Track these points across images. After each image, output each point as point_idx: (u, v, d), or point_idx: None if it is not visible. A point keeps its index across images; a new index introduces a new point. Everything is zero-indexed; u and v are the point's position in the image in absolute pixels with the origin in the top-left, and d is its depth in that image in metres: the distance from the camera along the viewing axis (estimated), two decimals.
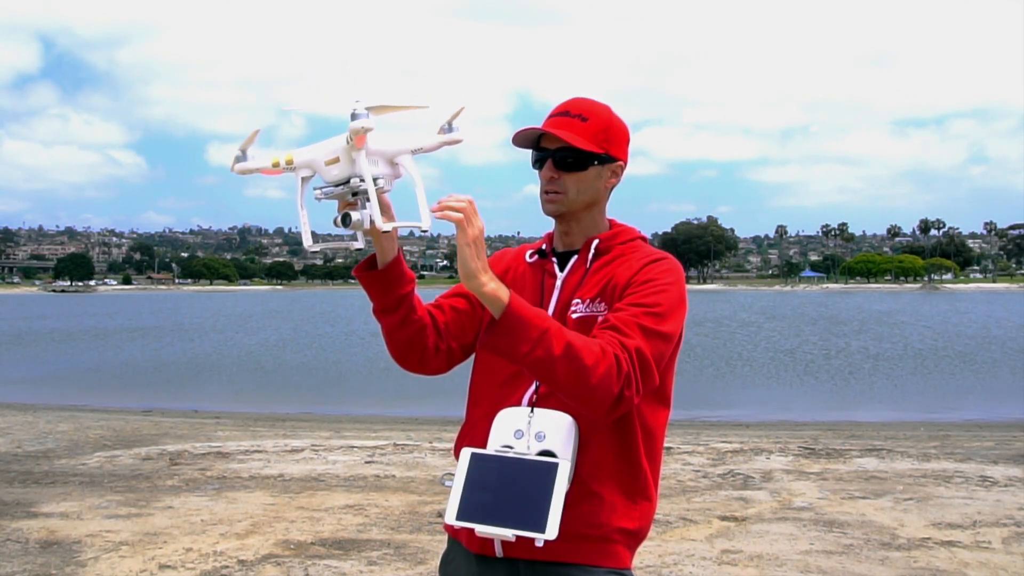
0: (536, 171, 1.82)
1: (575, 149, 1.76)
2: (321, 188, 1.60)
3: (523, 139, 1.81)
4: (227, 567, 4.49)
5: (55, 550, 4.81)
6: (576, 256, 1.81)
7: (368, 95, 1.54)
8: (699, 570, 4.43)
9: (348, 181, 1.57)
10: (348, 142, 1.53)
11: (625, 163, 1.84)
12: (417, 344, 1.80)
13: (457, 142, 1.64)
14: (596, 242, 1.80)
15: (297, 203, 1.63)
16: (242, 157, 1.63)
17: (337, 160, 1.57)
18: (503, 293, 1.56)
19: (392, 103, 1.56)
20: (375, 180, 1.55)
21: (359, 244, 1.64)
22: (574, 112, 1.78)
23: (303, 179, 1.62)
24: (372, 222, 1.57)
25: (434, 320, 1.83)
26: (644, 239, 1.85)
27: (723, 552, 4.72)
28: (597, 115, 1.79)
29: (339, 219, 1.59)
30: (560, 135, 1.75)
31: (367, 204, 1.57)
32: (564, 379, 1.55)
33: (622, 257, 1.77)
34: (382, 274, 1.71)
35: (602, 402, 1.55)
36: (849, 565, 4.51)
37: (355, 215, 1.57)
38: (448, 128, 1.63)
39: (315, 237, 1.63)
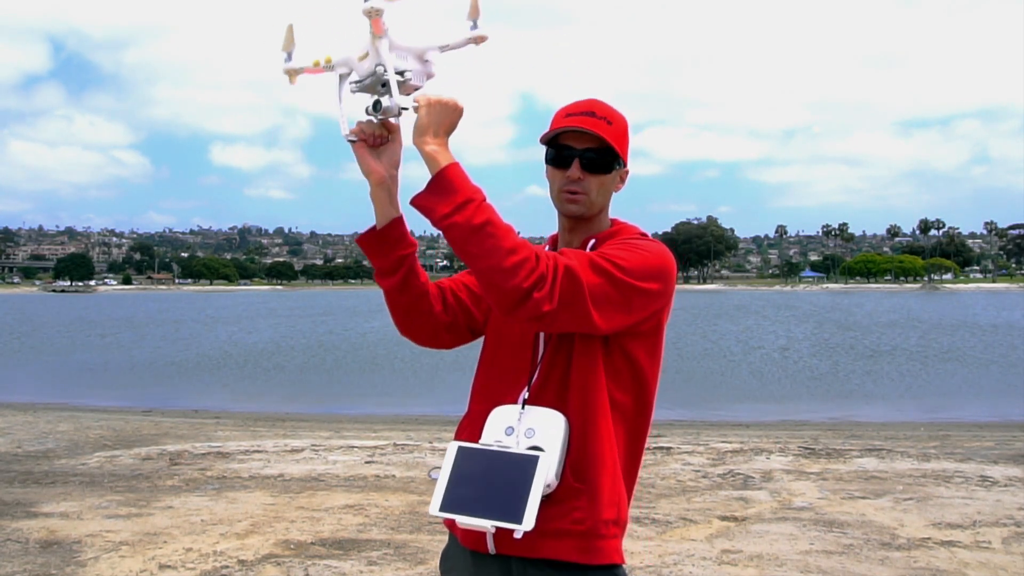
0: (550, 168, 1.80)
1: (603, 150, 1.76)
2: (355, 82, 1.69)
3: (545, 135, 1.80)
4: (227, 567, 4.49)
5: (55, 550, 4.80)
6: None
7: None
8: (699, 570, 4.43)
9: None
10: (371, 33, 1.62)
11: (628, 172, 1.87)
12: (420, 311, 1.82)
13: (483, 39, 1.67)
14: (592, 241, 1.80)
15: (337, 98, 1.72)
16: (288, 59, 1.74)
17: (367, 55, 1.65)
18: (444, 157, 1.57)
19: None
20: (403, 73, 1.63)
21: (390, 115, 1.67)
22: (599, 114, 1.77)
23: (341, 76, 1.72)
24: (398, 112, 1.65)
25: (442, 292, 1.85)
26: (644, 235, 1.85)
27: (723, 552, 4.72)
28: (618, 120, 1.80)
29: (370, 107, 1.67)
30: (599, 132, 1.74)
31: (391, 91, 1.64)
32: (476, 251, 1.54)
33: None
34: (381, 234, 1.73)
35: (510, 293, 1.53)
36: (849, 565, 4.51)
37: (385, 101, 1.65)
38: (473, 25, 1.67)
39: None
